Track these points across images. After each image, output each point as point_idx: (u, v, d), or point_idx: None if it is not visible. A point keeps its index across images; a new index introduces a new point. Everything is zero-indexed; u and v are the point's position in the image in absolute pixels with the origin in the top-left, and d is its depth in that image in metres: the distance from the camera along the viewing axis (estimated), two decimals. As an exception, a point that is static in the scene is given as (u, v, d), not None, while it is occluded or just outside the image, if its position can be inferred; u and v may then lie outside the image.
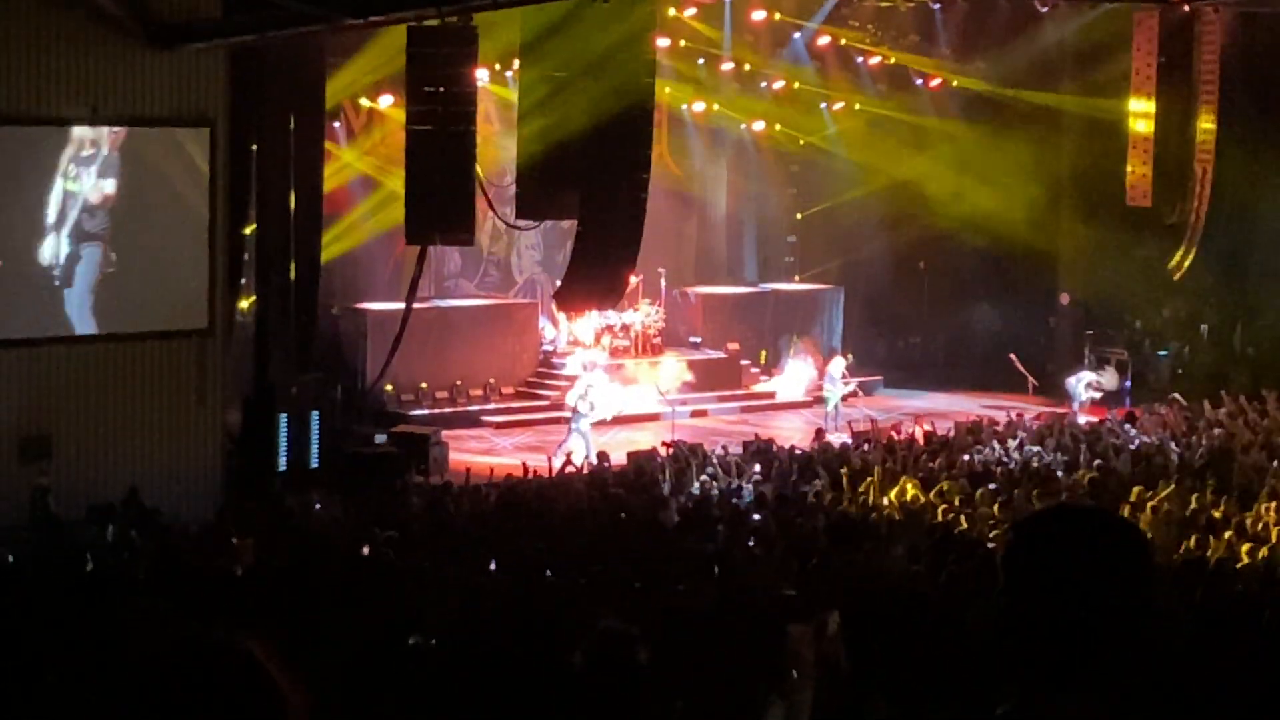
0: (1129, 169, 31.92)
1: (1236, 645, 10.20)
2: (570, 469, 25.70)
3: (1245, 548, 17.17)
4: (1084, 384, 33.70)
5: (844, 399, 33.41)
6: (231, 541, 16.56)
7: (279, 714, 2.84)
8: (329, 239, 28.42)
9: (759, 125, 39.53)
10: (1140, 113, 31.82)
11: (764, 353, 37.49)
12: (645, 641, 6.79)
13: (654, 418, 32.80)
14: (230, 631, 2.90)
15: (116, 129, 23.68)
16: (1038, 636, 3.10)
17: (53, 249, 23.44)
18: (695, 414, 34.10)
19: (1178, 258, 34.74)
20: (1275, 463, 23.07)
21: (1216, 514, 19.49)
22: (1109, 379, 34.34)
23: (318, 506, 21.93)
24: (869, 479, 22.28)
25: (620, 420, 32.07)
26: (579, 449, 28.35)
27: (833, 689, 8.12)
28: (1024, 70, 35.68)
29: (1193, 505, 19.83)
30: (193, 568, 14.30)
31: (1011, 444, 25.95)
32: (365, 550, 16.18)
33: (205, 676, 2.82)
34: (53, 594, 11.46)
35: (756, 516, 19.81)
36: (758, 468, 24.68)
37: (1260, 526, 18.82)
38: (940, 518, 19.19)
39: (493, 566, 15.30)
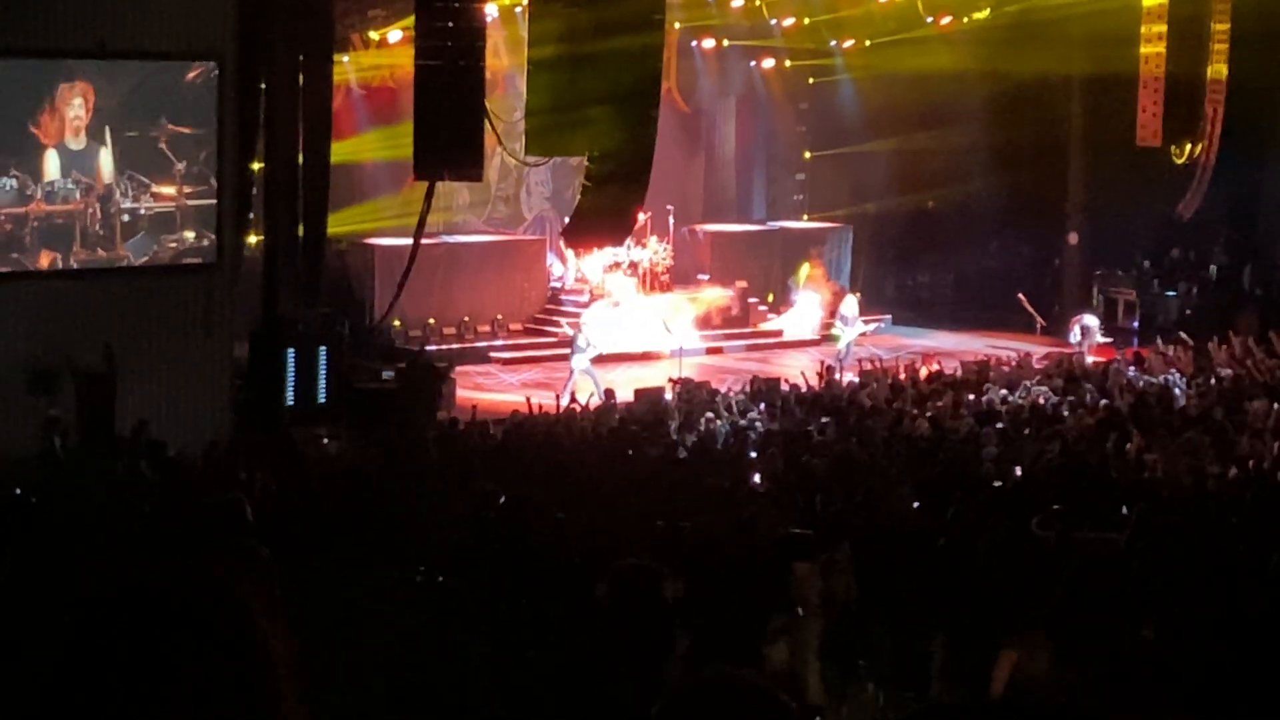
0: (1139, 108, 31.77)
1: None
2: (576, 406, 25.73)
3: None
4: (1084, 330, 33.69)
5: (858, 337, 33.50)
6: (239, 475, 16.60)
7: (254, 658, 2.75)
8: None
9: (768, 63, 39.43)
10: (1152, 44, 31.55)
11: (771, 295, 37.47)
12: (671, 577, 6.84)
13: (658, 355, 32.83)
14: (214, 568, 2.80)
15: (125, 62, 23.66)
16: None
17: (61, 183, 23.45)
18: (710, 351, 34.18)
19: (1187, 198, 34.66)
20: (1277, 406, 23.00)
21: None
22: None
23: (325, 441, 21.97)
24: (876, 418, 22.29)
25: (628, 357, 32.11)
26: (586, 387, 28.35)
27: (841, 623, 8.17)
28: None
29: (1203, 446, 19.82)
30: (200, 501, 14.34)
31: (1018, 383, 25.93)
32: (372, 484, 16.22)
33: (172, 614, 2.72)
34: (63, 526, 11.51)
35: (757, 454, 19.83)
36: (763, 406, 24.70)
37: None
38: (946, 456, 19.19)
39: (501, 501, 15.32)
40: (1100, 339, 33.58)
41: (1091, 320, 33.62)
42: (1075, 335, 33.04)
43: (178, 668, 2.68)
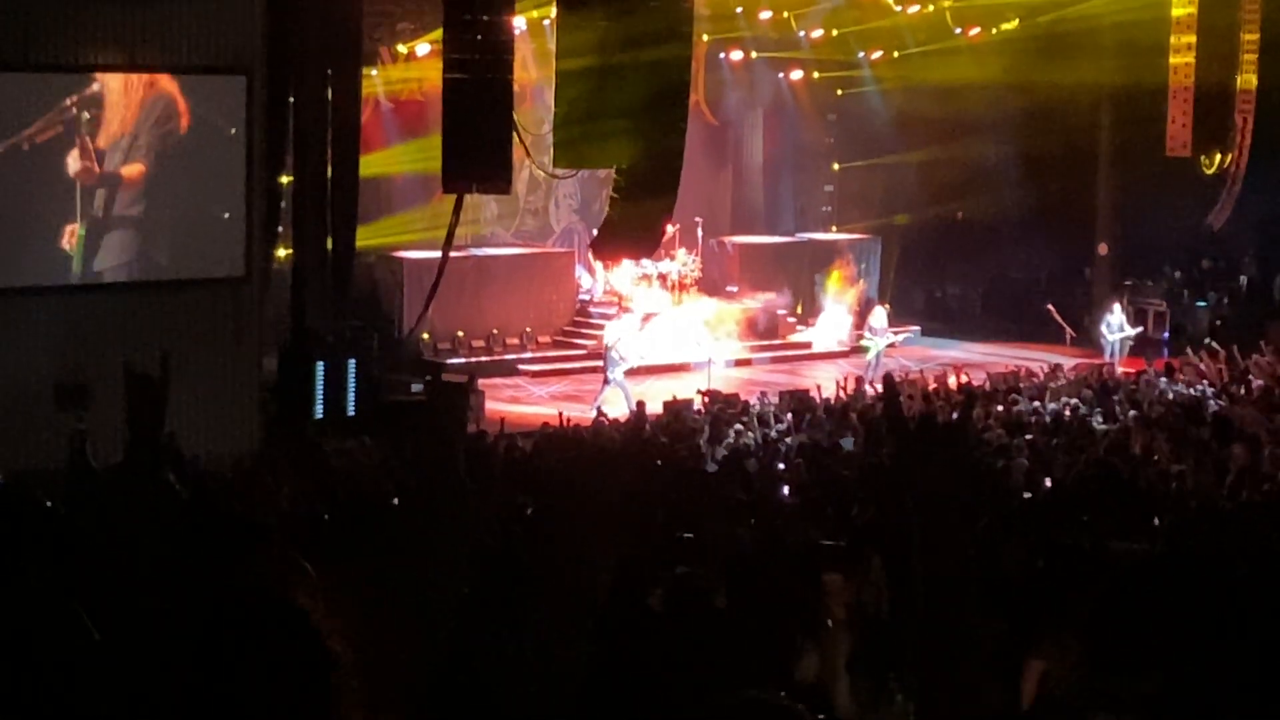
0: (1169, 118, 31.69)
1: None
2: (604, 418, 25.71)
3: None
4: (1111, 328, 33.70)
5: (886, 349, 33.48)
6: (268, 488, 16.60)
7: (327, 671, 2.79)
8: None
9: (796, 74, 39.40)
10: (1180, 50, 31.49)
11: (799, 306, 37.42)
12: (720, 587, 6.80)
13: (686, 367, 32.81)
14: (277, 583, 2.86)
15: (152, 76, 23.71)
16: None
17: (88, 197, 23.50)
18: (740, 362, 34.15)
19: (1217, 208, 34.54)
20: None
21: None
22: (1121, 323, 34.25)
23: (354, 453, 21.95)
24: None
25: (658, 369, 32.06)
26: (617, 399, 28.32)
27: (872, 635, 8.11)
28: None
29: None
30: (229, 513, 14.33)
31: (1048, 395, 25.84)
32: (399, 499, 16.20)
33: (251, 634, 2.77)
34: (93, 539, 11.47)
35: (786, 466, 19.80)
36: (791, 417, 24.66)
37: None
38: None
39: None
40: (1128, 329, 33.77)
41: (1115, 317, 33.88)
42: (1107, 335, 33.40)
43: (246, 671, 2.72)
